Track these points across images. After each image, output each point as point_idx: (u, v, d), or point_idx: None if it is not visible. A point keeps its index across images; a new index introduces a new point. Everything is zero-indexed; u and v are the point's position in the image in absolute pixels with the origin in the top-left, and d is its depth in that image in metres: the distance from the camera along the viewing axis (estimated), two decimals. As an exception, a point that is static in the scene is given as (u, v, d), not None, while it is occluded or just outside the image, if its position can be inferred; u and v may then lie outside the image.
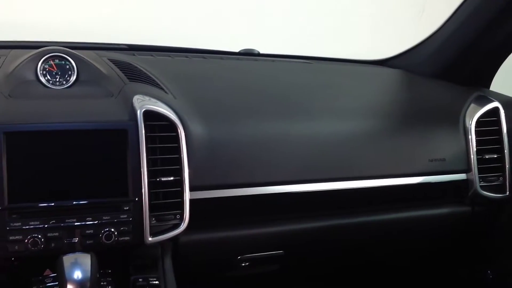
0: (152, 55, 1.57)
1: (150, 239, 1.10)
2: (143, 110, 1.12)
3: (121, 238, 1.07)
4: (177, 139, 1.13)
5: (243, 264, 1.37)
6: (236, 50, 1.78)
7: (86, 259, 0.96)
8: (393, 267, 1.83)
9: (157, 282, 1.13)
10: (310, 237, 1.39)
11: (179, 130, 1.13)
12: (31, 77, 1.22)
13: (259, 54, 1.78)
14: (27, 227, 1.02)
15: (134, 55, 1.52)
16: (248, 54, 1.76)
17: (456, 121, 1.50)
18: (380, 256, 1.68)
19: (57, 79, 1.24)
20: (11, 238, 1.01)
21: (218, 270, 1.40)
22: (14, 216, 1.02)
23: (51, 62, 1.24)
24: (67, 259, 0.95)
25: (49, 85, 1.23)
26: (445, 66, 1.65)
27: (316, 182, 1.31)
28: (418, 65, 1.74)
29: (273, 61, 1.72)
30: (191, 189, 1.14)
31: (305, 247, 1.42)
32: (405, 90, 1.71)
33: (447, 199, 1.53)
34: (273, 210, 1.33)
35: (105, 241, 1.06)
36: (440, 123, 1.49)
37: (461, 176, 1.47)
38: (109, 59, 1.38)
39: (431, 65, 1.69)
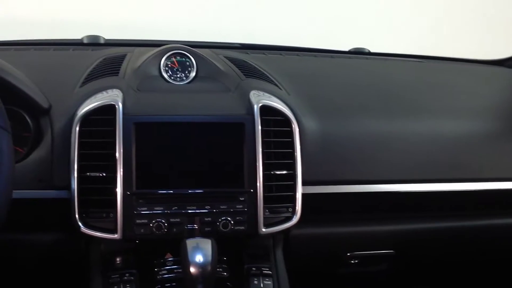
0: (264, 53, 1.61)
1: (263, 230, 1.12)
2: (260, 105, 1.14)
3: (237, 227, 1.11)
4: (291, 134, 1.15)
5: (352, 261, 1.36)
6: (346, 49, 1.79)
7: (207, 244, 0.99)
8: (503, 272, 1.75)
9: (269, 272, 1.16)
10: (423, 239, 1.36)
11: (293, 125, 1.15)
12: (155, 72, 1.30)
13: (369, 53, 1.77)
14: (152, 212, 1.09)
15: (247, 53, 1.57)
16: (359, 52, 1.76)
17: None
18: (492, 260, 1.61)
19: (178, 75, 1.31)
20: (137, 221, 1.08)
21: (327, 266, 1.41)
22: (141, 201, 1.09)
23: (173, 59, 1.32)
24: (190, 243, 1.00)
25: (170, 81, 1.30)
26: None
27: (430, 182, 1.29)
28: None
29: (384, 59, 1.70)
30: (303, 184, 1.15)
31: (416, 248, 1.39)
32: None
33: None
34: (385, 208, 1.31)
35: (222, 229, 1.10)
36: None
37: None
38: (225, 57, 1.44)
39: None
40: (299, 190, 1.14)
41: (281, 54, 1.63)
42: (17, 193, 0.93)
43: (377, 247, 1.36)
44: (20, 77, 1.13)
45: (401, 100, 1.38)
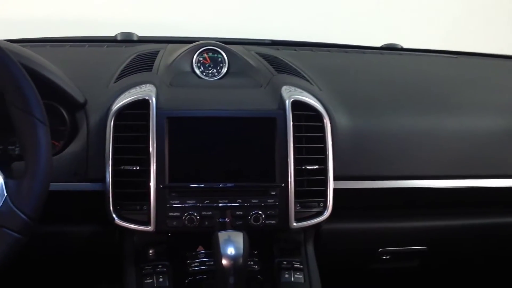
0: (294, 49, 1.61)
1: (294, 224, 1.12)
2: (292, 99, 1.14)
3: (268, 221, 1.11)
4: (322, 129, 1.15)
5: (383, 257, 1.35)
6: (378, 45, 1.77)
7: (239, 237, 1.00)
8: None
9: (300, 266, 1.16)
10: (456, 235, 1.35)
11: (325, 121, 1.15)
12: (187, 68, 1.32)
13: (402, 49, 1.75)
14: (184, 205, 1.10)
15: (278, 49, 1.57)
16: (391, 48, 1.74)
17: None
18: None
19: (210, 71, 1.32)
20: (170, 214, 1.09)
21: (358, 261, 1.40)
22: (173, 194, 1.10)
23: (205, 55, 1.33)
24: (222, 235, 1.00)
25: (202, 76, 1.31)
26: None
27: (463, 179, 1.27)
28: None
29: (417, 55, 1.68)
30: (335, 179, 1.15)
31: (450, 245, 1.37)
32: None
33: None
34: (417, 204, 1.30)
35: (253, 223, 1.11)
36: None
37: None
38: (256, 53, 1.44)
39: None
40: (331, 185, 1.14)
41: (312, 50, 1.63)
42: (54, 186, 0.95)
43: (409, 243, 1.34)
44: (57, 72, 1.16)
45: (435, 96, 1.36)
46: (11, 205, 0.89)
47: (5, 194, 0.89)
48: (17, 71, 0.90)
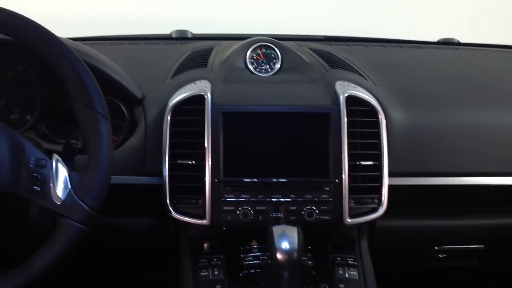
0: (348, 45, 1.60)
1: (348, 220, 1.12)
2: (346, 95, 1.14)
3: (322, 217, 1.11)
4: (377, 124, 1.14)
5: (440, 256, 1.33)
6: (434, 40, 1.74)
7: (293, 232, 1.00)
8: None
9: (355, 262, 1.15)
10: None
11: (379, 116, 1.14)
12: (241, 64, 1.33)
13: (459, 43, 1.71)
14: (239, 199, 1.11)
15: (331, 45, 1.57)
16: (447, 43, 1.71)
17: None
18: None
19: (263, 67, 1.33)
20: (225, 208, 1.11)
21: (414, 259, 1.37)
22: (228, 188, 1.12)
23: (258, 51, 1.34)
24: (276, 229, 1.00)
25: (256, 72, 1.32)
26: None
27: None
28: None
29: (474, 50, 1.64)
30: (389, 175, 1.13)
31: (509, 245, 1.33)
32: None
33: None
34: (475, 201, 1.27)
35: (307, 218, 1.11)
36: None
37: None
38: (309, 48, 1.44)
39: None
40: (386, 181, 1.13)
41: (365, 46, 1.61)
42: (112, 179, 0.98)
43: (467, 242, 1.31)
44: (117, 69, 1.20)
45: (493, 91, 1.33)
46: (75, 196, 0.92)
47: (69, 187, 0.93)
48: (81, 68, 0.94)
